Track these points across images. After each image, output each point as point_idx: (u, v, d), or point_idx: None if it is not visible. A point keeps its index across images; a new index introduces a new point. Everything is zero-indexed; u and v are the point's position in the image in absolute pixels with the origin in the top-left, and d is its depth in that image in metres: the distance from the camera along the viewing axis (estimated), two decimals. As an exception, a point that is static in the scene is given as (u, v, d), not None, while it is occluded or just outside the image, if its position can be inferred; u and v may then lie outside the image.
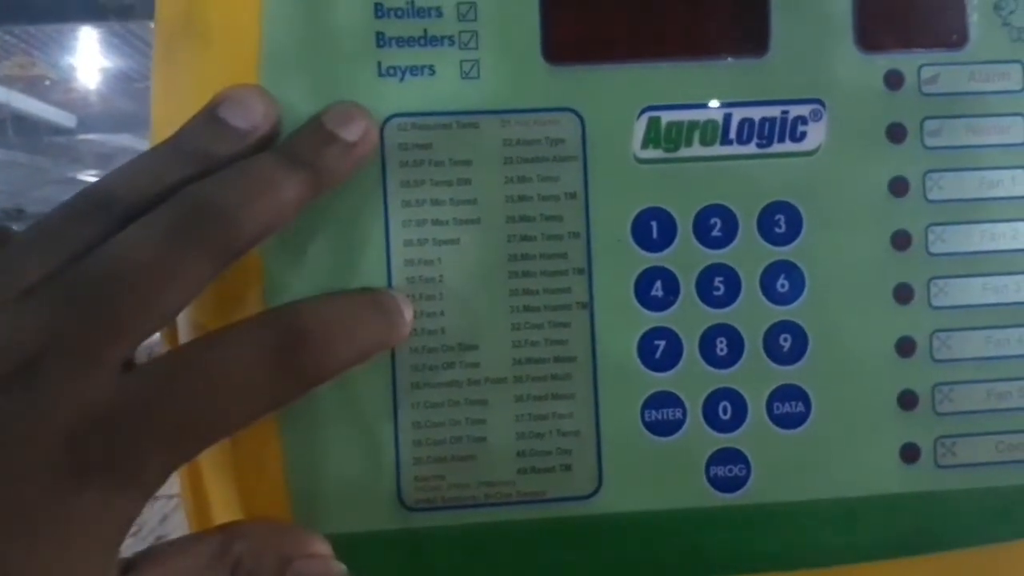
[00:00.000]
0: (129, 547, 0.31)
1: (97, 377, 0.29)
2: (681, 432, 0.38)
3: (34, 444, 0.28)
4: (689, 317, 0.38)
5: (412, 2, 0.37)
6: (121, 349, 0.30)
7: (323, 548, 0.35)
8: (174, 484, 0.37)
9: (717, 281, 0.38)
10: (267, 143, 0.35)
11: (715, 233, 0.38)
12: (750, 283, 0.38)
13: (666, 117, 0.38)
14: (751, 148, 0.38)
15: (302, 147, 0.35)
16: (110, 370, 0.29)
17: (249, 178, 0.33)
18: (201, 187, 0.32)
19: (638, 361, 0.38)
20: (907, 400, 0.39)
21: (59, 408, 0.28)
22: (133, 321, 0.30)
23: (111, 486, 0.29)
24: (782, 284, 0.38)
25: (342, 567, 0.35)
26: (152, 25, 0.35)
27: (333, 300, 0.35)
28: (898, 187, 0.39)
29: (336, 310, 0.35)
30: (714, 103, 0.38)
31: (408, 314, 0.37)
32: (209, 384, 0.31)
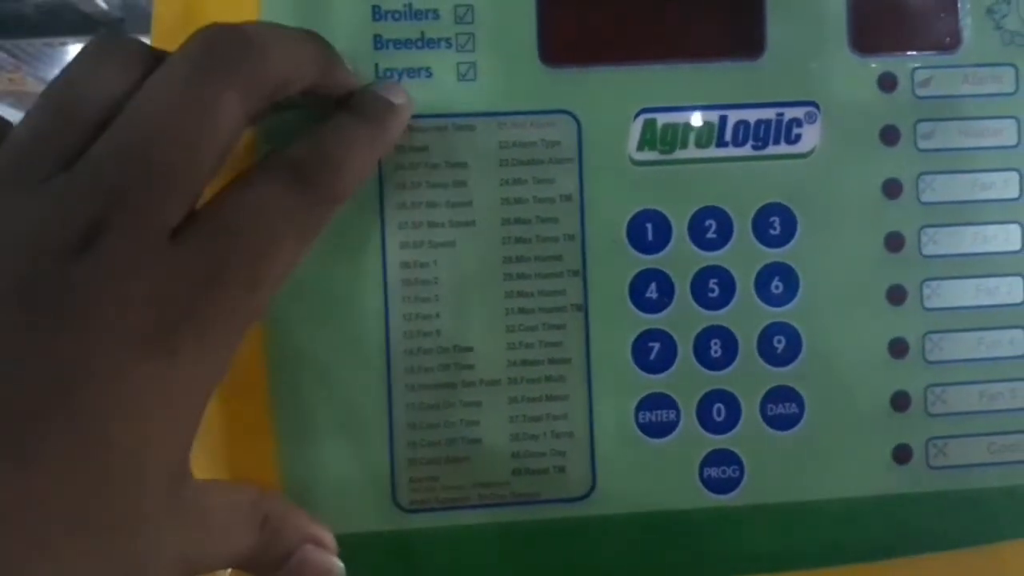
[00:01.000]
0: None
1: (164, 239, 0.28)
2: (675, 434, 0.38)
3: (119, 317, 0.27)
4: (683, 319, 0.38)
5: (409, 4, 0.37)
6: (182, 207, 0.29)
7: (332, 542, 0.35)
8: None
9: (712, 283, 0.38)
10: None
11: (710, 235, 0.38)
12: (744, 285, 0.38)
13: (662, 119, 0.38)
14: (746, 150, 0.38)
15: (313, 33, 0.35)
16: (172, 230, 0.29)
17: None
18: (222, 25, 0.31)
19: (632, 363, 0.38)
20: (900, 401, 0.39)
21: (136, 277, 0.28)
22: (184, 172, 0.29)
23: (200, 347, 0.29)
24: (776, 286, 0.38)
25: (343, 567, 0.35)
26: (143, 40, 0.34)
27: (330, 130, 0.34)
28: (891, 189, 0.39)
29: (336, 139, 0.34)
30: (709, 105, 0.38)
31: (399, 101, 0.36)
32: (259, 221, 0.30)
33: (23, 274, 0.27)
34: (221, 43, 0.30)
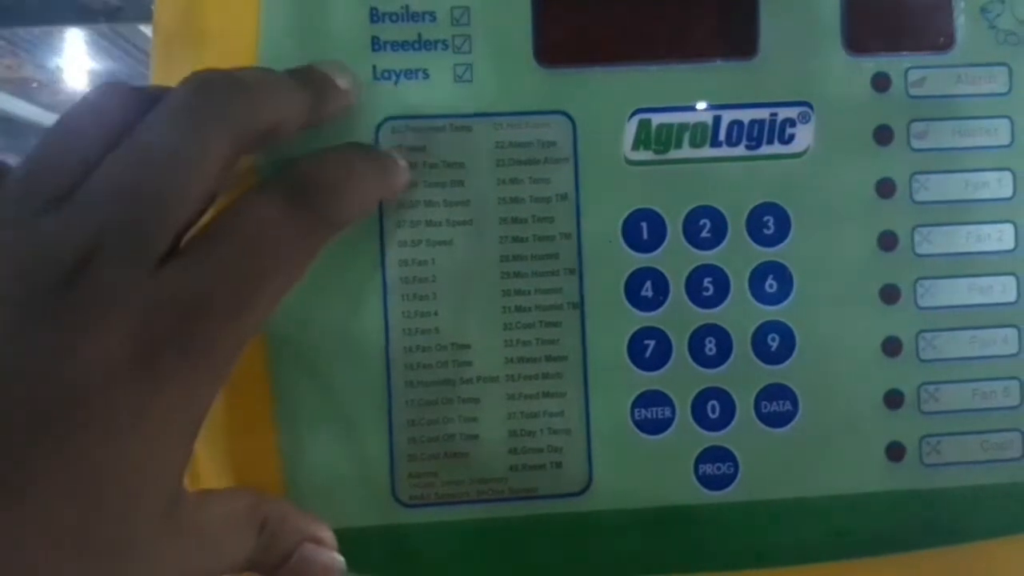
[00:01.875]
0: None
1: (150, 269, 0.29)
2: (670, 430, 0.39)
3: (106, 345, 0.28)
4: (678, 317, 0.39)
5: (407, 6, 0.38)
6: (166, 238, 0.30)
7: (332, 539, 0.35)
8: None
9: (706, 282, 0.39)
10: None
11: (704, 234, 0.39)
12: (739, 284, 0.39)
13: (656, 119, 0.38)
14: (740, 150, 0.39)
15: (305, 75, 0.35)
16: (160, 260, 0.29)
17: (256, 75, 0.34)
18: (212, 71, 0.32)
19: (628, 360, 0.39)
20: (893, 399, 0.39)
21: (122, 306, 0.28)
22: (172, 207, 0.30)
23: (188, 373, 0.29)
24: (770, 285, 0.39)
25: (344, 562, 0.35)
26: (141, 27, 0.35)
27: (333, 154, 0.35)
28: (885, 189, 0.39)
29: (338, 161, 0.35)
30: (704, 105, 0.39)
31: (403, 162, 0.37)
32: (250, 248, 0.31)
33: (16, 305, 0.28)
34: (213, 88, 0.31)
